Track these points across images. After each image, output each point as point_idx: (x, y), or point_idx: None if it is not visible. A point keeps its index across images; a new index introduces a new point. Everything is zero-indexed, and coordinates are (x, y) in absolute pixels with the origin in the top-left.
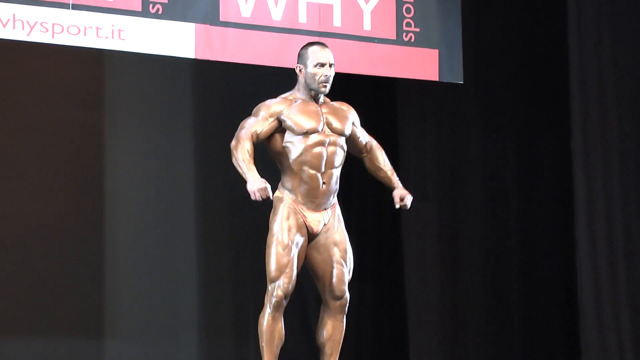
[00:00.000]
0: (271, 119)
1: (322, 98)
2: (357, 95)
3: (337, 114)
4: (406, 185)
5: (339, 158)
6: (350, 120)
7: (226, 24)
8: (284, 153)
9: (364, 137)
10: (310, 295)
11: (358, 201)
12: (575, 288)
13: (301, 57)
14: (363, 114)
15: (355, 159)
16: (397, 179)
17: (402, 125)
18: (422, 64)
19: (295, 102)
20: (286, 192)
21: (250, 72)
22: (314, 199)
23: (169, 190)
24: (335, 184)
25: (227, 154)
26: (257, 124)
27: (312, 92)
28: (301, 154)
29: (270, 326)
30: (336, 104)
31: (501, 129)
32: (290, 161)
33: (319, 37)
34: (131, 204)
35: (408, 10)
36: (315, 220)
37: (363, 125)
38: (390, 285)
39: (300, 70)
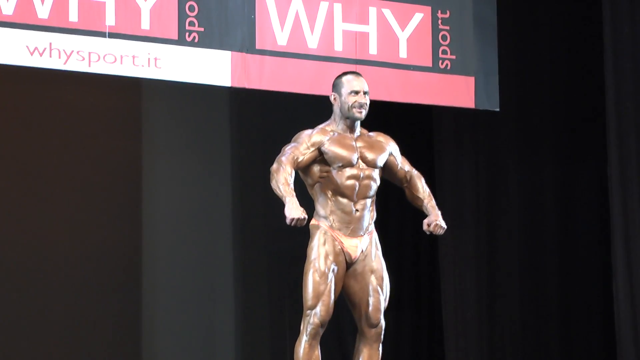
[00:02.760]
0: (312, 148)
1: (358, 129)
2: (394, 123)
3: (372, 147)
4: (443, 212)
5: (372, 190)
6: (387, 151)
7: (262, 52)
8: (318, 183)
9: (403, 167)
10: (347, 324)
11: (395, 228)
12: (612, 316)
13: (335, 87)
14: (399, 142)
15: (392, 186)
16: (434, 205)
17: (438, 152)
18: (458, 92)
19: (333, 134)
20: (321, 219)
21: (286, 99)
22: (348, 225)
23: (206, 218)
24: (369, 211)
25: (264, 182)
26: (298, 151)
27: (348, 122)
28: (335, 186)
29: (307, 354)
30: (374, 134)
31: (538, 156)
32: (324, 191)
33: (355, 64)
34: (168, 232)
35: (444, 38)
36: (353, 245)
37: (400, 152)
38: (427, 313)
39: (334, 99)
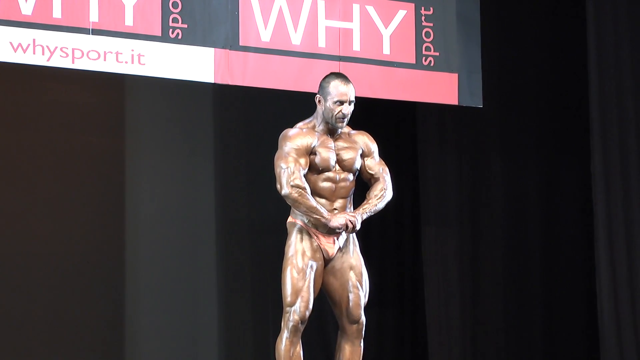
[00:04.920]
0: (306, 155)
1: (339, 129)
2: (377, 120)
3: (349, 149)
4: (427, 210)
5: (349, 190)
6: (359, 152)
7: (246, 49)
8: None
9: (373, 169)
10: (330, 320)
11: (378, 225)
12: (595, 311)
13: (322, 89)
14: (383, 138)
15: None
16: (365, 207)
17: (422, 149)
18: (441, 88)
19: (318, 134)
20: (298, 216)
21: (269, 96)
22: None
23: (189, 214)
24: (346, 209)
25: (248, 178)
26: (299, 164)
27: (330, 125)
28: (312, 186)
29: (288, 351)
30: (354, 133)
31: (521, 153)
32: None
33: (339, 61)
34: (152, 229)
35: (427, 35)
36: (330, 242)
37: (383, 149)
38: (411, 310)
39: (319, 101)
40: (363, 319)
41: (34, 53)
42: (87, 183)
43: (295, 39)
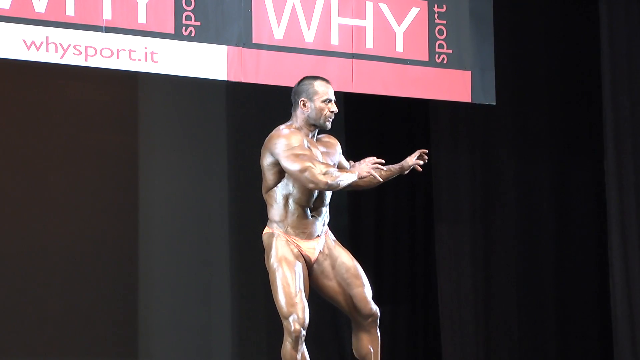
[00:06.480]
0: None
1: (312, 133)
2: (390, 117)
3: (328, 153)
4: (439, 207)
5: (329, 196)
6: (337, 155)
7: (259, 46)
8: (275, 188)
9: (346, 164)
10: (342, 322)
11: (391, 223)
12: (609, 310)
13: (305, 92)
14: (396, 136)
15: (387, 183)
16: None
17: (434, 146)
18: (454, 86)
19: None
20: (275, 225)
21: (283, 94)
22: (304, 229)
23: (202, 211)
24: (324, 215)
25: (260, 176)
26: (311, 152)
27: (312, 128)
28: (292, 192)
29: (295, 358)
30: (322, 137)
31: (534, 150)
32: (280, 197)
33: (352, 59)
34: (165, 227)
35: (440, 32)
36: (310, 248)
37: (397, 146)
38: (423, 307)
39: (304, 104)
40: (375, 308)
41: (47, 51)
42: (100, 180)
43: (309, 37)
